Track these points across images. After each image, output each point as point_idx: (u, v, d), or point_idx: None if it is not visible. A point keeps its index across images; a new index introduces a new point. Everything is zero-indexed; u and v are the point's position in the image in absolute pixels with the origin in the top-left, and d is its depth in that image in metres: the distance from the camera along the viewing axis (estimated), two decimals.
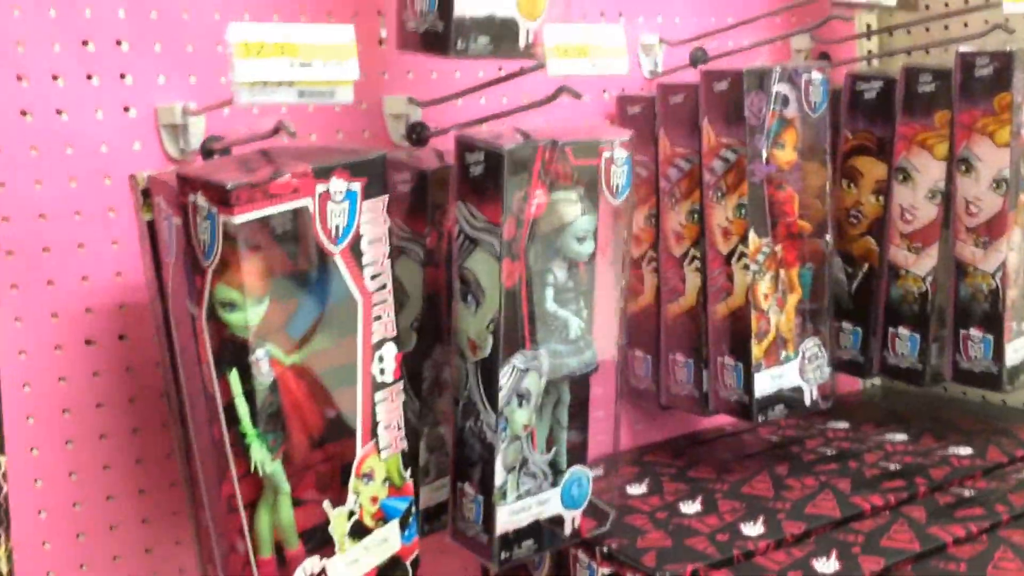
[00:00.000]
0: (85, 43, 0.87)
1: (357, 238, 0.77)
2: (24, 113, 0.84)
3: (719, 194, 1.08)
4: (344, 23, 0.97)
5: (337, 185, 0.74)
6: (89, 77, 0.87)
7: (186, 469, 0.84)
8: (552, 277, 0.90)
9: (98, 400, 0.89)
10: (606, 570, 0.96)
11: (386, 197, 0.78)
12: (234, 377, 0.73)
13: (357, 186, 0.76)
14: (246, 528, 0.75)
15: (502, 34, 0.86)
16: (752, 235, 1.07)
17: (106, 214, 0.87)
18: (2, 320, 0.84)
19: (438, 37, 0.83)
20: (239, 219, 0.69)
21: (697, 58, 1.15)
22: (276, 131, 0.74)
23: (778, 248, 1.12)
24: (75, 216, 0.87)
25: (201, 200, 0.70)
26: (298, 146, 0.81)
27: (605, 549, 0.96)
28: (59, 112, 0.86)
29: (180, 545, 0.93)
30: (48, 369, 0.86)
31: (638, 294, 1.18)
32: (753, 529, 1.00)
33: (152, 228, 0.78)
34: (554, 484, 0.91)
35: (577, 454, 0.94)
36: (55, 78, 0.85)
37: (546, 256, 0.90)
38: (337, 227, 0.75)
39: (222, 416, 0.74)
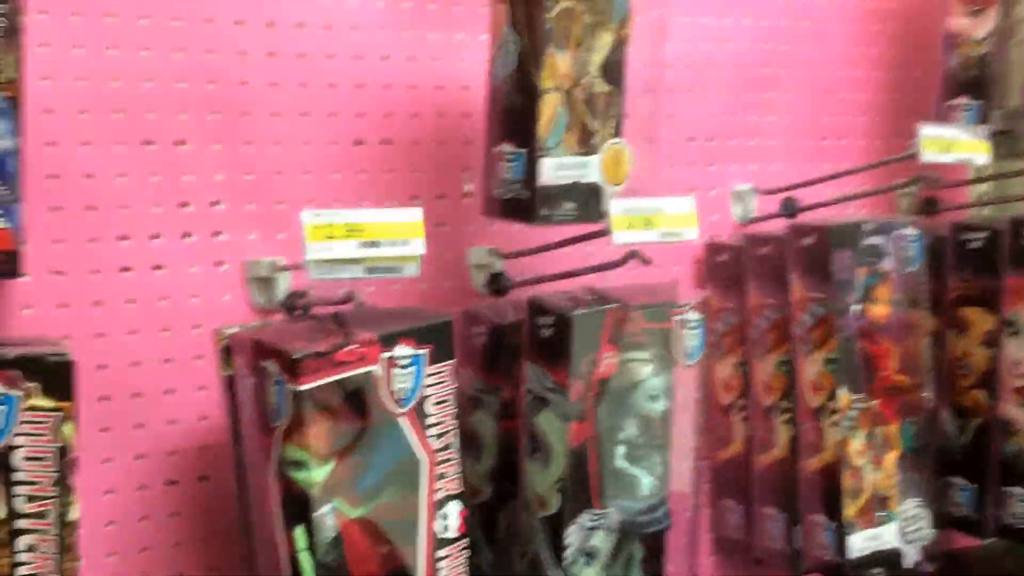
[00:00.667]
0: (183, 205, 0.93)
1: (422, 400, 0.79)
2: (125, 269, 0.90)
3: (808, 348, 1.06)
4: (429, 177, 1.03)
5: (403, 351, 0.77)
6: (185, 235, 0.93)
7: None
8: (623, 434, 0.90)
9: (177, 539, 0.92)
10: None
11: (453, 362, 0.80)
12: (299, 532, 0.75)
13: (423, 352, 0.78)
14: None
15: (587, 199, 0.89)
16: (842, 391, 1.04)
17: (194, 362, 0.92)
18: (92, 461, 0.88)
19: (523, 206, 0.86)
20: (305, 387, 0.72)
21: (789, 208, 1.15)
22: (347, 300, 0.78)
23: (874, 404, 1.08)
24: (165, 363, 0.91)
25: (271, 366, 0.73)
26: (372, 307, 0.84)
27: None
28: (156, 268, 0.92)
29: None
30: (131, 508, 0.90)
31: (728, 442, 1.16)
32: None
33: (232, 381, 0.82)
34: None
35: None
36: (154, 237, 0.91)
37: (618, 413, 0.89)
38: (403, 390, 0.77)
39: (287, 568, 0.75)
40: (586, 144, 0.88)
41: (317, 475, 0.75)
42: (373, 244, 0.74)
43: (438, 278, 1.04)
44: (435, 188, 1.02)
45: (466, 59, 1.01)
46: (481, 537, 0.95)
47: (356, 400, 0.77)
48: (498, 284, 1.03)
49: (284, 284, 0.93)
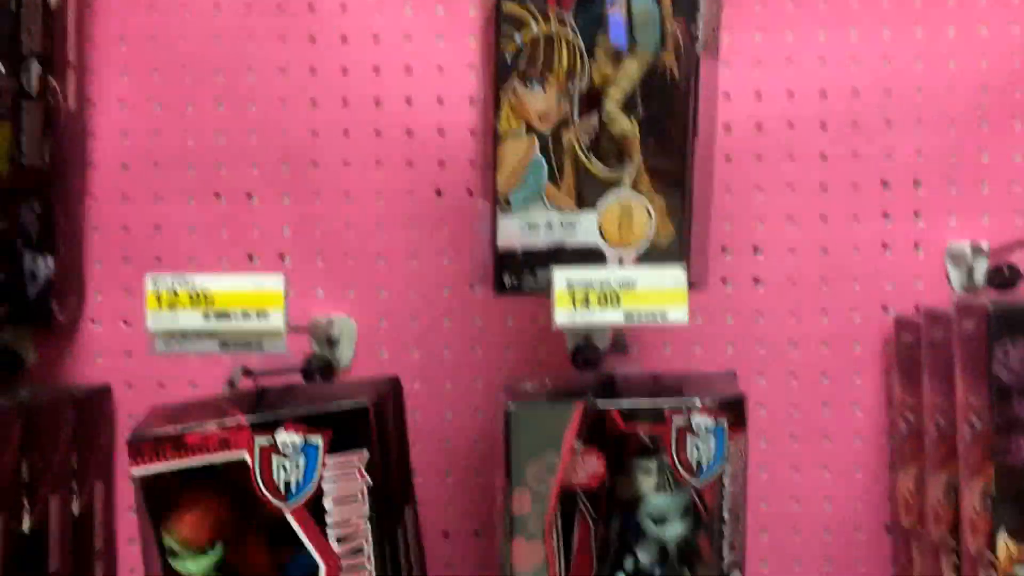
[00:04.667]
0: (250, 258, 0.92)
1: (317, 496, 0.70)
2: None
3: (967, 472, 0.78)
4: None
5: (287, 438, 0.68)
6: None
7: None
8: (630, 561, 0.72)
9: None
10: None
11: (364, 452, 0.70)
12: None
13: (318, 439, 0.69)
14: None
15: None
16: (1004, 538, 0.75)
17: None
18: None
19: (489, 272, 0.73)
20: (138, 472, 0.67)
21: (1000, 276, 0.85)
22: (231, 385, 0.71)
23: None
24: None
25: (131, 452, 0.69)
26: (326, 387, 0.77)
27: None
28: None
29: None
30: None
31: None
32: None
33: None
34: None
35: None
36: None
37: (628, 535, 0.72)
38: (287, 483, 0.69)
39: None
40: (588, 197, 0.72)
41: (194, 565, 0.70)
42: (223, 315, 0.66)
43: (532, 343, 0.93)
44: None
45: None
46: None
47: (232, 490, 0.70)
48: (585, 356, 0.89)
49: (348, 345, 0.89)
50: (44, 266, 0.85)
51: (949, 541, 0.81)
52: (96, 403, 0.88)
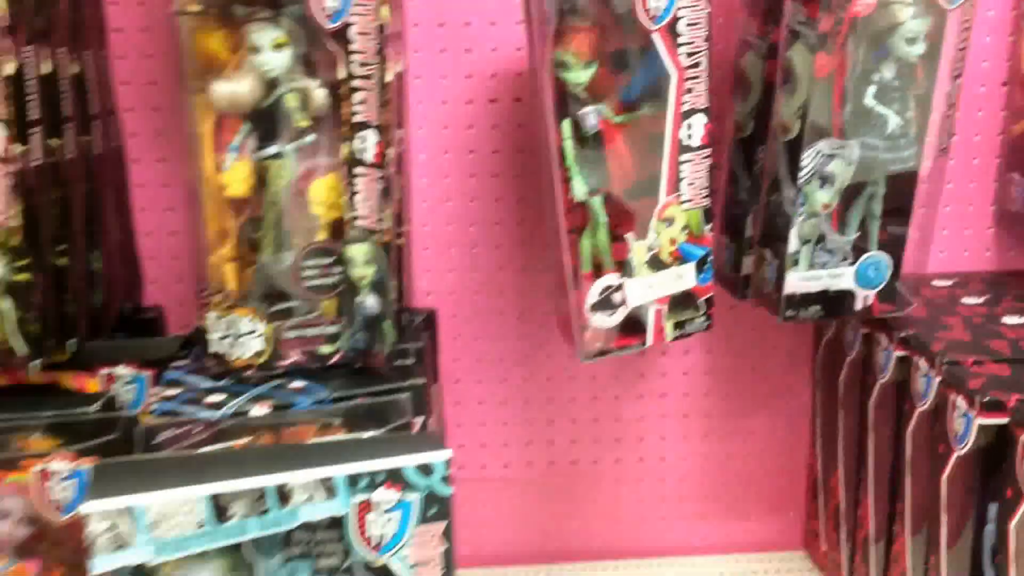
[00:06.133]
0: None
1: (675, 20, 0.92)
2: None
3: None
4: None
5: None
6: None
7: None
8: (878, 75, 0.97)
9: (493, 147, 1.15)
10: (899, 352, 1.03)
11: None
12: (566, 124, 0.93)
13: None
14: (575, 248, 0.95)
15: None
16: None
17: None
18: (432, 76, 1.12)
19: None
20: None
21: None
22: None
23: None
24: None
25: None
26: None
27: (902, 334, 1.03)
28: None
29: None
30: (460, 119, 1.14)
31: (1022, 114, 1.18)
32: None
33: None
34: (852, 264, 1.01)
35: (890, 247, 1.02)
36: None
37: (875, 55, 0.97)
38: (657, 8, 0.91)
39: (556, 156, 0.94)
40: None
41: (579, 76, 0.92)
42: None
43: None
44: None
45: None
46: (741, 166, 1.08)
47: (613, 15, 0.91)
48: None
49: None
50: None
51: None
52: None
